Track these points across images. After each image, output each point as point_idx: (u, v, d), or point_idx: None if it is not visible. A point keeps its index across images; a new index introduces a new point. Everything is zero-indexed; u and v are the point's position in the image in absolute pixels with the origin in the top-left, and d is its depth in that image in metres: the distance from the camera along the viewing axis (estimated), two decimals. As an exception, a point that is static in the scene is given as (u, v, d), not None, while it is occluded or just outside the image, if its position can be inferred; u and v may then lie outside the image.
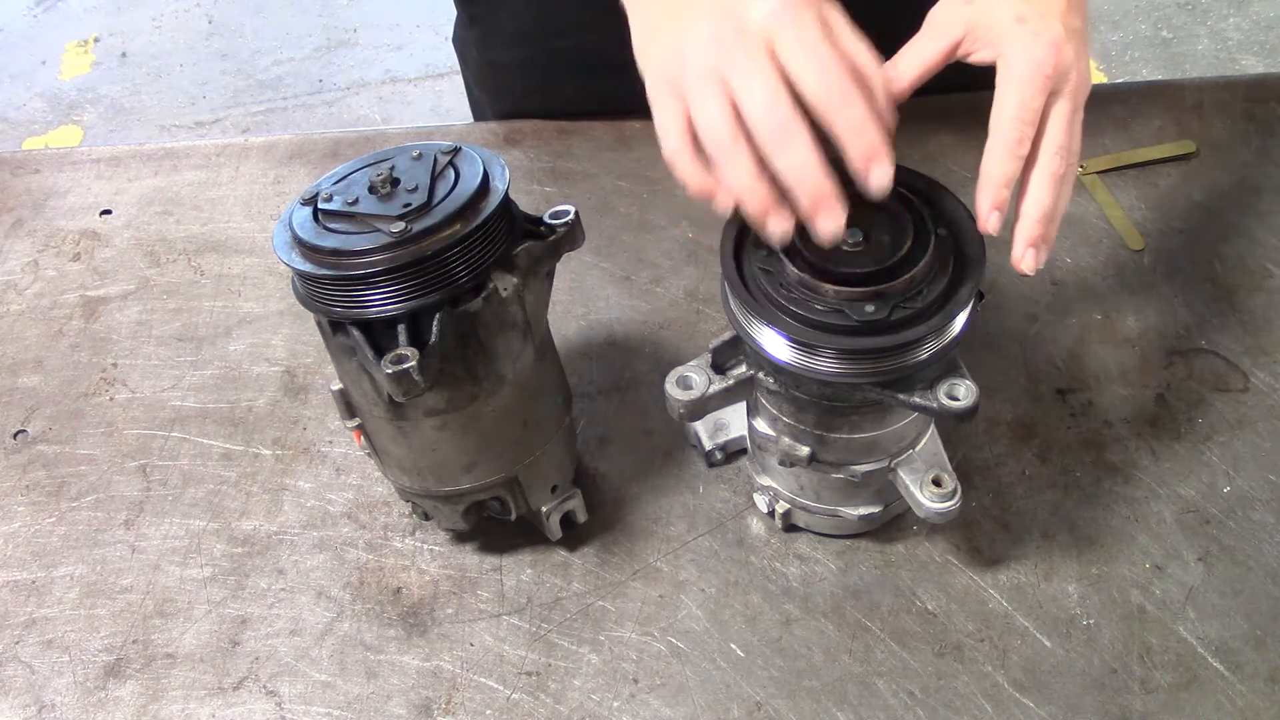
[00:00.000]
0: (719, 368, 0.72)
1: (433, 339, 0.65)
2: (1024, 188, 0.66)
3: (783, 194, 0.62)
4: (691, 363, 0.72)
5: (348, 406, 0.74)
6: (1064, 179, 0.66)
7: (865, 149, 0.61)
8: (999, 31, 0.66)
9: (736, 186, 0.63)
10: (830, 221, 0.61)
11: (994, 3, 0.67)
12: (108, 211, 1.17)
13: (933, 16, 0.70)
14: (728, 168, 0.63)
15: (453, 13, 1.21)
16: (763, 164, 0.62)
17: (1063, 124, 0.66)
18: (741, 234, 0.70)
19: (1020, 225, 0.66)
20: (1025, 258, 0.66)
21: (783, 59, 0.62)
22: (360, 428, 0.75)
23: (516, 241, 0.70)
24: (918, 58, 0.69)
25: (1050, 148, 0.65)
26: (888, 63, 0.70)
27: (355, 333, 0.65)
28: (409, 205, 0.66)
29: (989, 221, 0.65)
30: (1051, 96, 0.65)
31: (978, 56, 0.68)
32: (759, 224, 0.63)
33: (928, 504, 0.73)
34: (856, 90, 0.61)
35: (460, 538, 0.85)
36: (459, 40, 1.25)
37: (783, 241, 0.63)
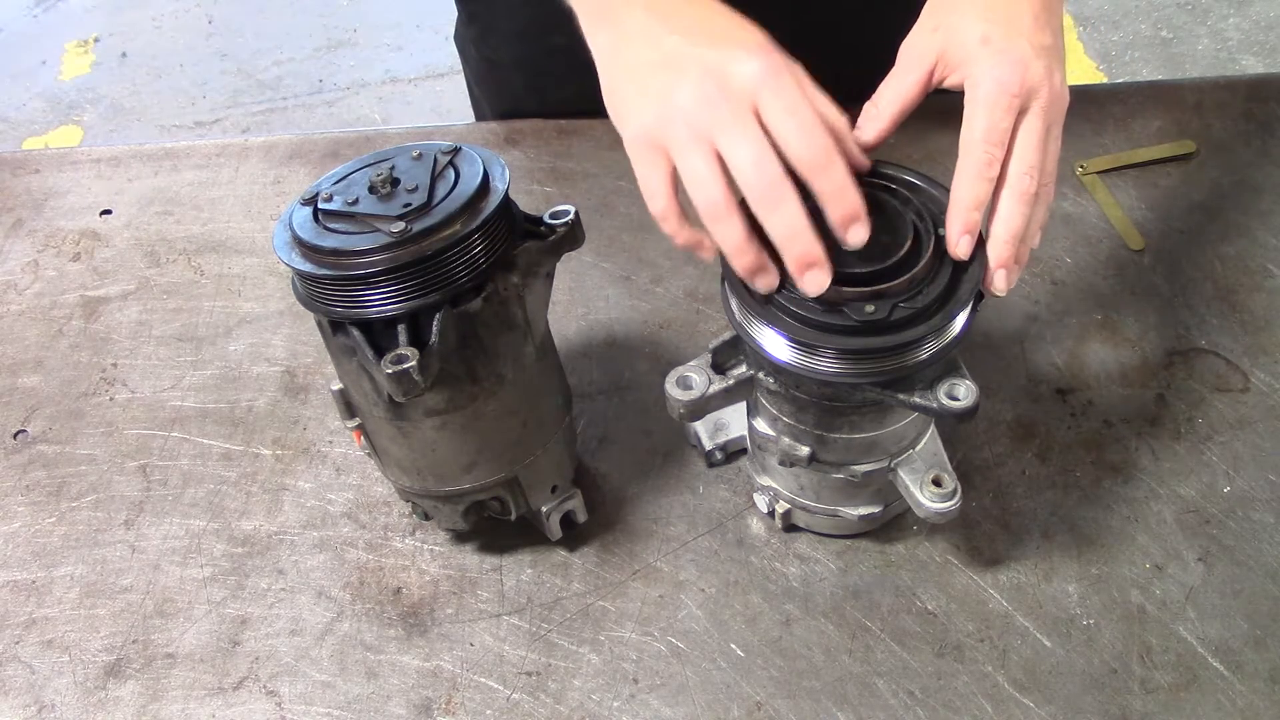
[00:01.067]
0: (719, 368, 0.72)
1: (433, 339, 0.65)
2: (994, 208, 0.65)
3: (770, 251, 0.64)
4: (691, 363, 0.72)
5: (348, 406, 0.74)
6: (1036, 199, 0.65)
7: (845, 212, 0.63)
8: (965, 54, 0.66)
9: (727, 248, 0.64)
10: (816, 280, 0.62)
11: (961, 26, 0.67)
12: (108, 211, 1.17)
13: (904, 49, 0.70)
14: (719, 231, 0.64)
15: (453, 12, 1.21)
16: (752, 226, 0.63)
17: (1033, 142, 0.65)
18: None
19: (990, 246, 0.65)
20: (996, 279, 0.65)
21: (766, 119, 0.63)
22: (360, 428, 0.75)
23: (516, 241, 0.70)
24: (895, 94, 0.69)
25: (1020, 167, 0.65)
26: (868, 102, 0.70)
27: (355, 333, 0.65)
28: (409, 205, 0.66)
29: (959, 246, 0.65)
30: (1020, 115, 0.64)
31: (950, 81, 0.68)
32: (747, 279, 0.65)
33: (928, 504, 0.73)
34: (837, 153, 0.62)
35: (460, 538, 0.85)
36: (459, 38, 1.25)
37: (768, 292, 0.65)
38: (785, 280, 0.66)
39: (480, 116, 1.30)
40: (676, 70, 0.64)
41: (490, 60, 1.22)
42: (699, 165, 0.63)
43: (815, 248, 0.62)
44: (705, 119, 0.63)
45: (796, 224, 0.62)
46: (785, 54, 0.65)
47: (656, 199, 0.66)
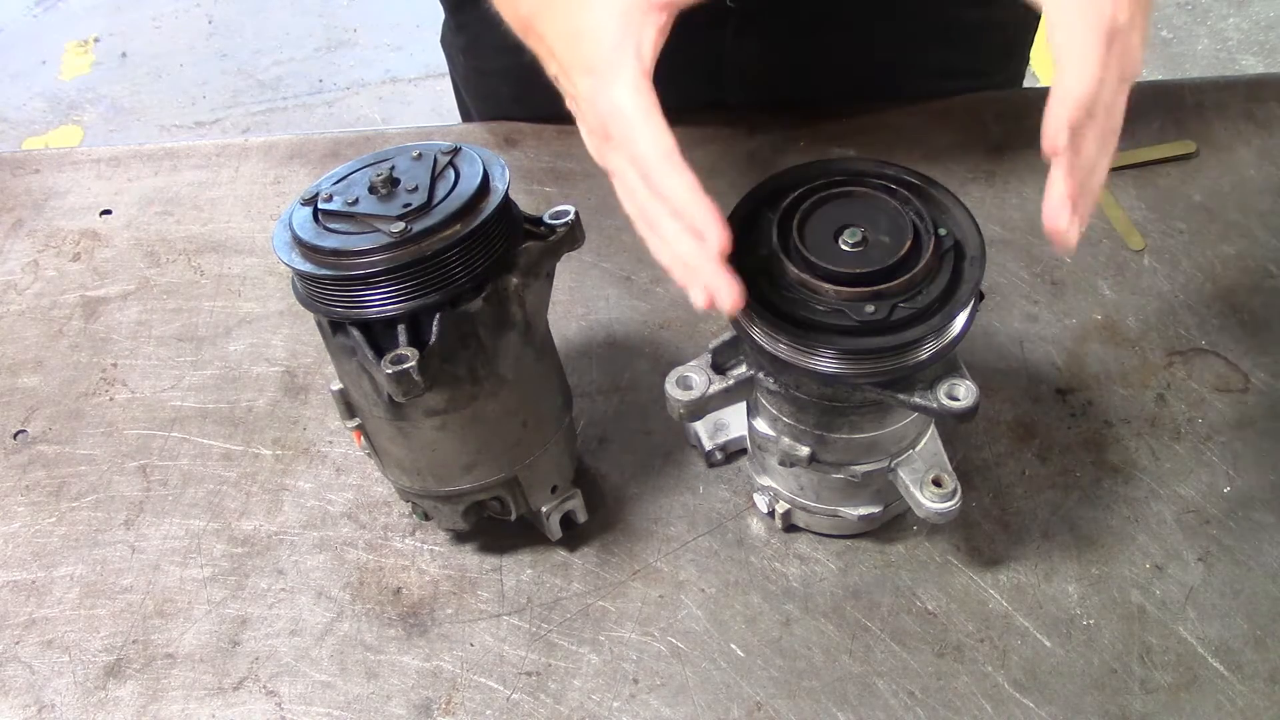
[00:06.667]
0: (719, 368, 0.72)
1: (432, 339, 0.65)
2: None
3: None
4: (691, 363, 0.72)
5: (348, 406, 0.74)
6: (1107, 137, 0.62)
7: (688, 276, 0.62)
8: None
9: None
10: (697, 296, 0.62)
11: None
12: (108, 211, 1.17)
13: None
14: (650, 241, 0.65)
15: (451, 13, 1.21)
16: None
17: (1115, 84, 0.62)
18: (741, 234, 0.69)
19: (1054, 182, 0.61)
20: (1061, 219, 0.60)
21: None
22: (360, 428, 0.75)
23: (516, 241, 0.70)
24: None
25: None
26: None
27: (355, 333, 0.65)
28: (409, 205, 0.66)
29: (1057, 138, 0.59)
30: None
31: None
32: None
33: (928, 504, 0.73)
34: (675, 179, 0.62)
35: (460, 538, 0.85)
36: (446, 45, 1.24)
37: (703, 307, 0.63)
38: (785, 281, 0.66)
39: (466, 120, 1.30)
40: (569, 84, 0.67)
41: (479, 69, 1.21)
42: (619, 191, 0.66)
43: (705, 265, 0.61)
44: (595, 155, 0.67)
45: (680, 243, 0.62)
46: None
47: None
